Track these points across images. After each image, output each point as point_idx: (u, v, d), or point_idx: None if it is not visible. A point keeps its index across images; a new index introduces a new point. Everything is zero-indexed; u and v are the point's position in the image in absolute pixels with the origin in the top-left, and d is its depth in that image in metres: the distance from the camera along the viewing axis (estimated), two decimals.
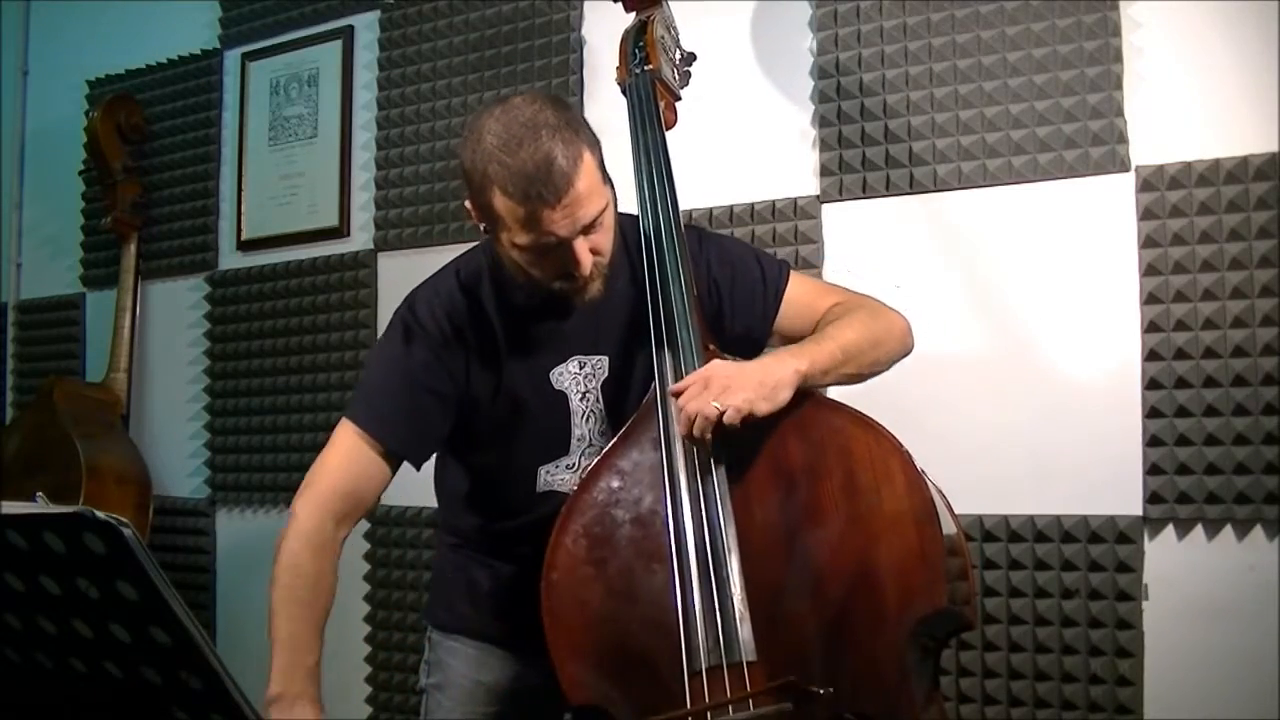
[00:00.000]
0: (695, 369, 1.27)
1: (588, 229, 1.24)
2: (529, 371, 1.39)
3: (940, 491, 1.21)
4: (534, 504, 1.41)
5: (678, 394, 1.23)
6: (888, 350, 1.37)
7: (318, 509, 1.31)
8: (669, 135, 1.49)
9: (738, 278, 1.42)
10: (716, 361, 1.25)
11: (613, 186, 1.31)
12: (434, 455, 1.47)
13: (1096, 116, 1.85)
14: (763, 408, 1.19)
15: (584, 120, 1.28)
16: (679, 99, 1.62)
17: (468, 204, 1.30)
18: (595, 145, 1.27)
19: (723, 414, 1.18)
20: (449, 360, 1.37)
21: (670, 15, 1.66)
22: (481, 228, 1.31)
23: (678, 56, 1.65)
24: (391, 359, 1.39)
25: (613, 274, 1.34)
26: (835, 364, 1.28)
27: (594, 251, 1.27)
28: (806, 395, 1.26)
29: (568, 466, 1.41)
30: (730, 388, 1.19)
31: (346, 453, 1.35)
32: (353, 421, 1.36)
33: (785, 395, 1.21)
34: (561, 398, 1.40)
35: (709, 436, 1.20)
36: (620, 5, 1.67)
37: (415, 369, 1.36)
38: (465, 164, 1.26)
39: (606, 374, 1.41)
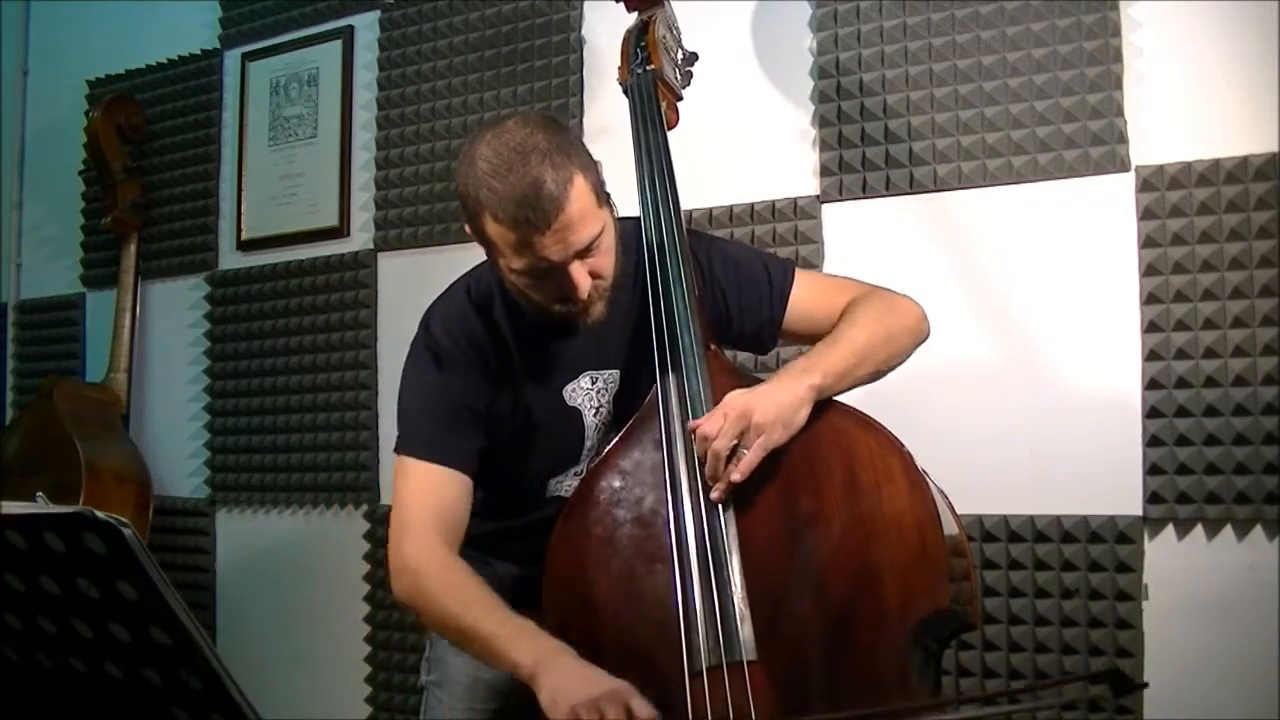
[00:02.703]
0: (697, 372, 1.27)
1: (583, 253, 1.22)
2: (543, 390, 1.39)
3: (942, 492, 1.21)
4: (538, 507, 1.41)
5: (694, 430, 1.22)
6: (902, 345, 1.36)
7: (426, 540, 1.29)
8: (670, 135, 1.48)
9: (743, 282, 1.42)
10: (734, 393, 1.21)
11: (612, 207, 1.30)
12: None
13: (1096, 116, 1.85)
14: (782, 437, 1.19)
15: (579, 142, 1.26)
16: (681, 99, 1.62)
17: (466, 228, 1.29)
18: (590, 168, 1.24)
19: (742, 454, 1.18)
20: (475, 379, 1.37)
21: (672, 15, 1.66)
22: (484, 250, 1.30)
23: (680, 56, 1.65)
24: (425, 385, 1.37)
25: (617, 287, 1.32)
26: (849, 369, 1.27)
27: (593, 274, 1.25)
28: None
29: (575, 474, 1.41)
30: (750, 417, 1.17)
31: (421, 485, 1.33)
32: (412, 456, 1.34)
33: (802, 416, 1.20)
34: (575, 414, 1.40)
35: (729, 486, 1.19)
36: (622, 5, 1.66)
37: (448, 390, 1.35)
38: (460, 188, 1.25)
39: (618, 386, 1.41)
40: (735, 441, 1.18)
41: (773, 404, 1.19)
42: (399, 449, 1.36)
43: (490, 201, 1.19)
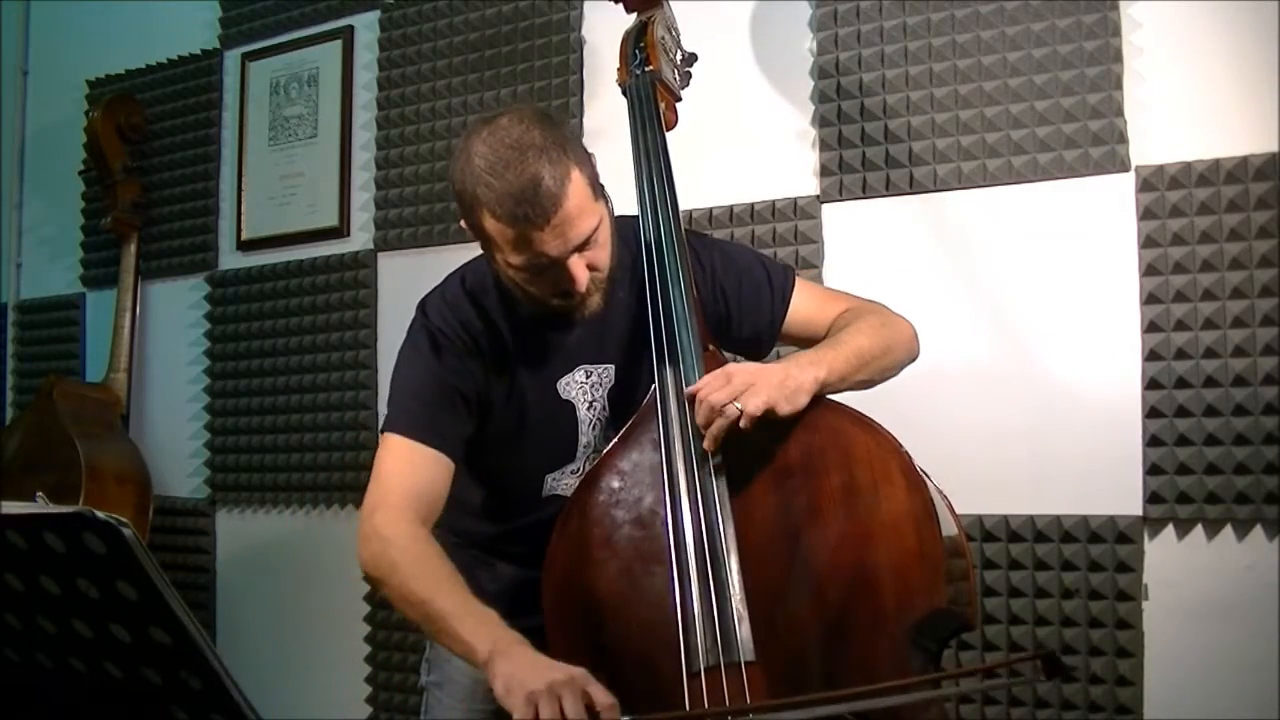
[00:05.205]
0: (695, 371, 1.27)
1: (581, 247, 1.23)
2: (537, 382, 1.39)
3: (942, 493, 1.21)
4: (537, 507, 1.41)
5: (694, 393, 1.21)
6: (896, 357, 1.37)
7: (401, 513, 1.28)
8: (669, 135, 1.49)
9: (744, 283, 1.42)
10: (738, 363, 1.23)
11: (608, 200, 1.30)
12: None
13: (1096, 116, 1.85)
14: (784, 408, 1.18)
15: (574, 137, 1.27)
16: (679, 99, 1.62)
17: (462, 223, 1.29)
18: (585, 161, 1.25)
19: (740, 414, 1.16)
20: (468, 365, 1.37)
21: (671, 16, 1.66)
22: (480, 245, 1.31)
23: (678, 57, 1.65)
24: (420, 365, 1.38)
25: (615, 282, 1.33)
26: (851, 370, 1.28)
27: (591, 268, 1.26)
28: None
29: (573, 472, 1.41)
30: (754, 384, 1.17)
31: (403, 461, 1.32)
32: (397, 432, 1.33)
33: (804, 400, 1.20)
34: (569, 408, 1.40)
35: (720, 433, 1.18)
36: (621, 6, 1.66)
37: (444, 373, 1.36)
38: (456, 186, 1.25)
39: (613, 382, 1.41)
40: (734, 398, 1.16)
41: (777, 379, 1.19)
42: (385, 426, 1.36)
43: (488, 198, 1.20)
